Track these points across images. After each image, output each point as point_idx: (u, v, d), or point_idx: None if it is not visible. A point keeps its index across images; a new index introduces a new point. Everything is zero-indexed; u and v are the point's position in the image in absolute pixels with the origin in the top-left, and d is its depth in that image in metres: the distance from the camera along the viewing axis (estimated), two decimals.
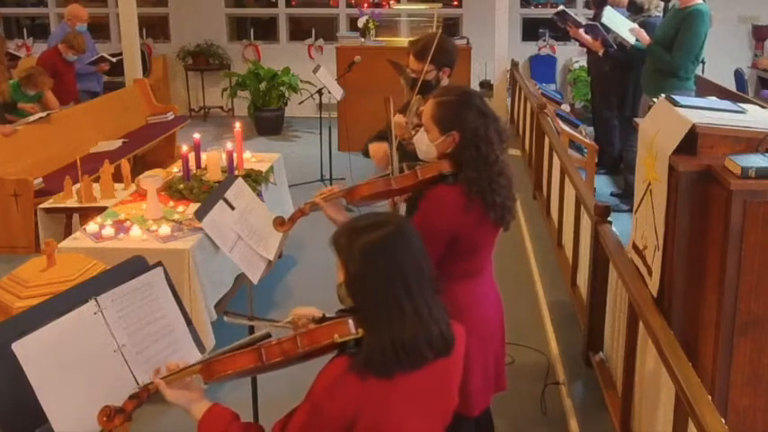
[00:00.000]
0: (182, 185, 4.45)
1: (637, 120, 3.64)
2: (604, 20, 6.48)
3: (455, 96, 2.44)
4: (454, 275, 2.47)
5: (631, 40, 6.21)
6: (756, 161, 2.51)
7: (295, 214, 2.58)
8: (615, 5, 7.07)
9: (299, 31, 10.80)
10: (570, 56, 10.24)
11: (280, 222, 2.59)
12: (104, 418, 1.78)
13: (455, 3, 10.48)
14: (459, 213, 2.36)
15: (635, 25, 6.27)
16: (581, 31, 6.86)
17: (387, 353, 1.66)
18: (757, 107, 3.39)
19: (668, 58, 5.47)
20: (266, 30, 10.91)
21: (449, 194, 2.38)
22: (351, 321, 1.72)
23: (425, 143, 2.47)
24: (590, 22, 6.87)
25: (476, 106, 2.39)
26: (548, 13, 10.19)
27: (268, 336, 1.85)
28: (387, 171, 2.66)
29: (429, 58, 3.21)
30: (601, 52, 6.68)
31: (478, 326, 2.50)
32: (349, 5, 10.44)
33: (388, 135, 2.69)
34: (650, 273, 2.95)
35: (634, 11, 6.84)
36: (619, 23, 6.37)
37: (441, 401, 1.82)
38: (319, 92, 7.02)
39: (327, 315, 1.80)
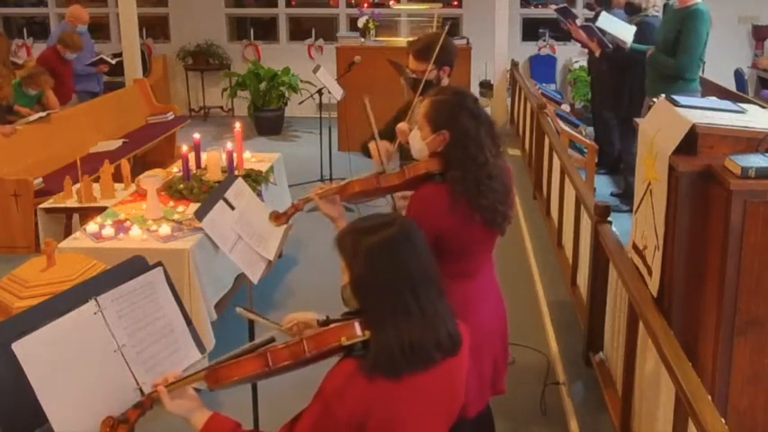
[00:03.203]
0: (182, 185, 4.45)
1: (637, 120, 3.64)
2: (599, 24, 6.49)
3: (448, 96, 2.46)
4: (445, 276, 2.47)
5: (629, 41, 6.20)
6: (756, 161, 2.51)
7: (289, 210, 2.63)
8: (612, 5, 7.08)
9: (299, 31, 10.80)
10: (570, 56, 10.24)
11: (276, 216, 2.66)
12: (107, 429, 1.78)
13: (455, 3, 10.48)
14: (444, 212, 2.36)
15: (633, 27, 6.27)
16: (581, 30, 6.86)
17: (395, 354, 1.66)
18: (757, 107, 3.39)
19: (672, 62, 5.42)
20: (266, 30, 10.92)
21: (433, 193, 2.39)
22: (357, 324, 1.71)
23: (418, 141, 2.48)
24: (585, 24, 6.88)
25: (468, 108, 2.40)
26: (548, 13, 10.20)
27: (272, 340, 1.84)
28: (380, 169, 2.68)
29: (430, 58, 3.22)
30: (597, 53, 6.68)
31: (471, 327, 2.48)
32: (349, 5, 10.45)
33: (373, 134, 2.73)
34: (650, 273, 2.95)
35: (631, 12, 6.84)
36: (614, 26, 6.38)
37: (448, 401, 1.82)
38: (319, 92, 7.02)
39: (332, 317, 1.79)
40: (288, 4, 10.66)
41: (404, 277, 1.70)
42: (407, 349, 1.66)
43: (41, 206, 4.76)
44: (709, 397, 2.21)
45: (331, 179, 6.93)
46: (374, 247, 1.71)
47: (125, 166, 4.95)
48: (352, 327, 1.72)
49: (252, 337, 2.74)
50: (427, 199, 2.40)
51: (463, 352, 1.82)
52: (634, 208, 3.25)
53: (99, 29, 10.21)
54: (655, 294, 2.88)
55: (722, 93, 6.07)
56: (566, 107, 8.69)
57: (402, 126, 3.29)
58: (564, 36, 9.06)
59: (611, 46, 6.52)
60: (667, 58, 5.46)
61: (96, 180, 4.80)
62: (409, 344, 1.66)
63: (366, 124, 2.72)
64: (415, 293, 1.70)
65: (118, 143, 7.00)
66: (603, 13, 6.65)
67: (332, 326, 1.74)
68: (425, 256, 1.76)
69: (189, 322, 2.21)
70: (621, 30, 6.33)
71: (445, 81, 3.32)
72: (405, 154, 3.08)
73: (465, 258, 2.48)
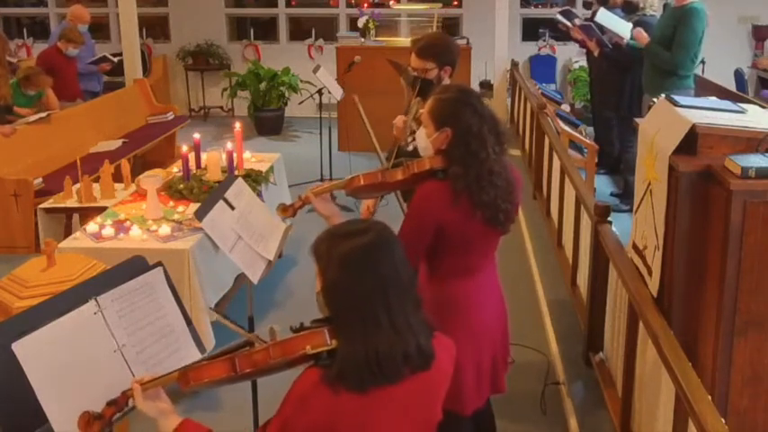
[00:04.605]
0: (182, 185, 4.45)
1: (637, 120, 3.64)
2: (598, 19, 6.50)
3: (452, 94, 2.47)
4: (446, 272, 2.50)
5: (626, 36, 6.21)
6: (756, 161, 2.51)
7: (296, 202, 2.67)
8: (610, 5, 7.09)
9: (299, 31, 10.80)
10: (570, 56, 10.23)
11: (283, 209, 2.70)
12: (83, 423, 1.78)
13: (455, 3, 10.48)
14: (445, 208, 2.38)
15: (630, 24, 6.28)
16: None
17: (360, 366, 1.61)
18: (757, 107, 3.39)
19: (667, 56, 5.49)
20: (266, 30, 10.91)
21: (436, 189, 2.41)
22: (326, 332, 1.67)
23: (423, 139, 2.50)
24: (584, 23, 6.88)
25: (471, 105, 2.42)
26: (548, 13, 10.20)
27: (248, 344, 1.82)
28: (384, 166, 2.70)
29: (431, 56, 3.22)
30: (596, 52, 6.69)
31: (471, 324, 2.50)
32: (349, 5, 10.44)
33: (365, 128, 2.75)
34: (650, 273, 2.95)
35: (629, 10, 6.85)
36: (613, 22, 6.39)
37: (421, 416, 1.77)
38: (319, 92, 7.02)
39: (305, 324, 1.74)
40: (288, 4, 10.66)
41: (377, 286, 1.64)
42: (373, 362, 1.61)
43: (41, 206, 4.76)
44: (709, 397, 2.21)
45: (331, 179, 6.93)
46: (349, 253, 1.66)
47: (125, 166, 4.95)
48: (321, 335, 1.67)
49: None
50: (430, 195, 2.42)
51: (441, 366, 1.75)
52: (634, 208, 3.25)
53: (99, 29, 10.20)
54: (655, 294, 2.88)
55: (722, 93, 6.06)
56: (566, 107, 8.69)
57: (398, 121, 3.29)
58: (563, 36, 9.05)
59: (610, 45, 6.52)
60: (664, 51, 5.51)
61: (96, 180, 4.80)
62: (375, 355, 1.61)
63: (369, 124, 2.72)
64: (387, 303, 1.64)
65: (118, 143, 7.00)
66: (602, 9, 6.66)
67: (301, 333, 1.70)
68: (402, 266, 1.70)
69: (189, 322, 2.21)
70: (619, 25, 6.35)
71: (446, 81, 3.32)
72: (402, 155, 3.08)
73: (466, 255, 2.49)
